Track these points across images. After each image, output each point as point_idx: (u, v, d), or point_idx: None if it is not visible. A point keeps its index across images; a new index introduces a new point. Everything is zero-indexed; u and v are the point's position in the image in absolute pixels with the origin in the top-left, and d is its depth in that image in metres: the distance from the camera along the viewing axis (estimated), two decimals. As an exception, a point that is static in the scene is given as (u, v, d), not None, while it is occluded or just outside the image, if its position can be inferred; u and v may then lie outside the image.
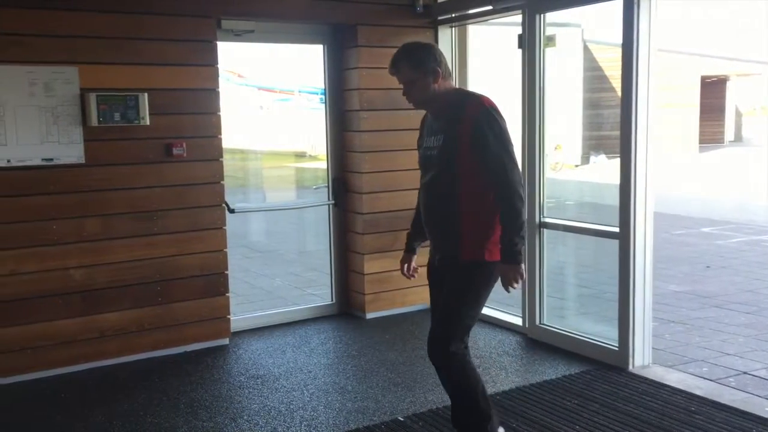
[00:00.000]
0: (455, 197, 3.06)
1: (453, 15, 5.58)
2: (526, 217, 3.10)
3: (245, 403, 4.02)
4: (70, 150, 4.37)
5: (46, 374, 4.41)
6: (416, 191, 5.67)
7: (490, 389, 4.13)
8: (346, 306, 5.79)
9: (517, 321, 5.24)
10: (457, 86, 3.22)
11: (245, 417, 3.81)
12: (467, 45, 5.80)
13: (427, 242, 3.42)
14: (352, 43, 5.41)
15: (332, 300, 5.81)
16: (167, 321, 4.78)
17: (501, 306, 5.71)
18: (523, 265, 2.98)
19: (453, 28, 5.73)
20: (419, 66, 3.01)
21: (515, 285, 3.00)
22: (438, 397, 4.04)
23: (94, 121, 4.37)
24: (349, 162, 5.62)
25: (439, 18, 5.61)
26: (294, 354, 4.82)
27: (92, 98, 4.35)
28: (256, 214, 8.48)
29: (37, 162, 4.28)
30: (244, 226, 9.88)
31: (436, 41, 5.66)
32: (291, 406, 3.96)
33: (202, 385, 4.26)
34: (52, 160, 4.32)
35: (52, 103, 4.31)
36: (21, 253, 4.30)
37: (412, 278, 3.55)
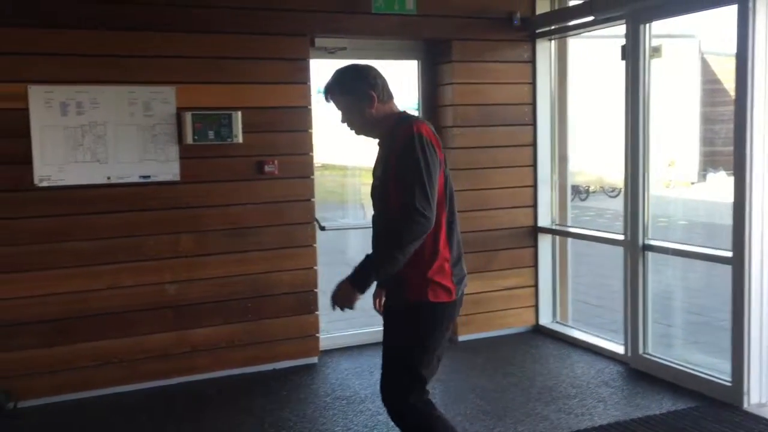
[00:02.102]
0: None
1: (552, 27, 5.37)
2: (399, 262, 2.61)
3: (329, 425, 3.94)
4: (166, 168, 4.48)
5: (140, 387, 4.51)
6: (511, 209, 5.56)
7: (586, 423, 3.88)
8: (438, 327, 5.63)
9: (619, 349, 4.92)
10: (399, 110, 2.82)
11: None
12: (567, 58, 5.57)
13: None
14: (446, 59, 5.30)
15: (424, 320, 5.67)
16: (257, 338, 4.80)
17: (601, 332, 5.41)
18: (359, 296, 2.63)
19: (552, 41, 5.52)
20: (351, 91, 2.73)
21: (341, 308, 2.70)
22: (529, 428, 3.83)
23: (189, 139, 4.46)
24: (442, 178, 5.48)
25: (538, 31, 5.42)
26: (382, 375, 4.71)
27: (188, 117, 4.45)
28: (355, 230, 8.51)
29: (135, 179, 4.41)
30: (342, 242, 9.94)
31: (534, 55, 5.47)
32: (374, 430, 3.85)
33: (288, 405, 4.23)
34: (149, 177, 4.44)
35: (150, 122, 4.44)
36: (119, 268, 4.43)
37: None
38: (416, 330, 2.73)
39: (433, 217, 2.60)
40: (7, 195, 4.17)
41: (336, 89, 2.76)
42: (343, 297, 2.68)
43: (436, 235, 2.70)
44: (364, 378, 4.68)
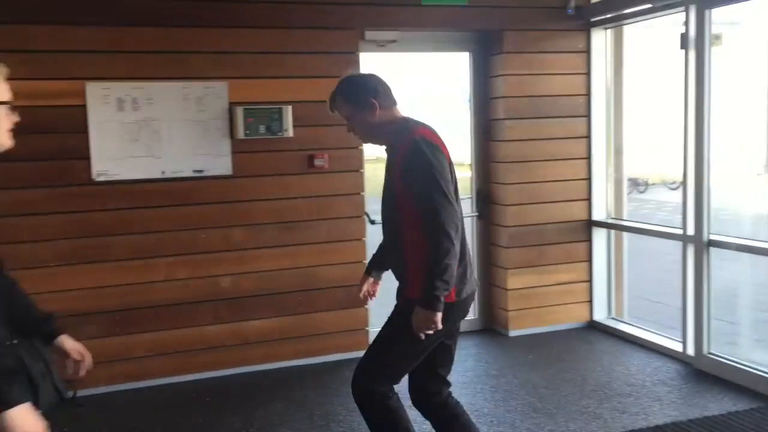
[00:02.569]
0: (400, 241, 2.80)
1: (608, 16, 5.23)
2: (455, 261, 2.62)
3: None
4: (218, 162, 4.54)
5: (194, 377, 4.59)
6: (565, 203, 5.45)
7: (641, 422, 3.78)
8: (489, 322, 5.59)
9: (677, 347, 4.78)
10: (402, 115, 2.84)
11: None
12: (623, 48, 5.42)
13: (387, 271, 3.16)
14: (497, 50, 5.22)
15: (474, 315, 5.63)
16: (308, 330, 4.83)
17: (659, 329, 5.26)
18: (439, 315, 2.58)
19: (607, 30, 5.38)
20: (353, 100, 2.78)
21: (425, 333, 2.62)
22: (581, 427, 3.75)
23: (241, 133, 4.51)
24: (493, 173, 5.42)
25: (593, 20, 5.28)
26: (432, 370, 4.69)
27: (239, 112, 4.50)
28: None
29: (189, 174, 4.49)
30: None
31: (589, 45, 5.34)
32: (423, 426, 3.81)
33: (338, 398, 4.24)
34: (201, 171, 4.51)
35: (203, 117, 4.50)
36: (174, 261, 4.52)
37: (366, 301, 3.32)
38: (410, 327, 2.70)
39: (455, 202, 2.65)
40: (67, 189, 4.29)
41: (339, 99, 2.82)
42: (424, 323, 2.63)
43: None
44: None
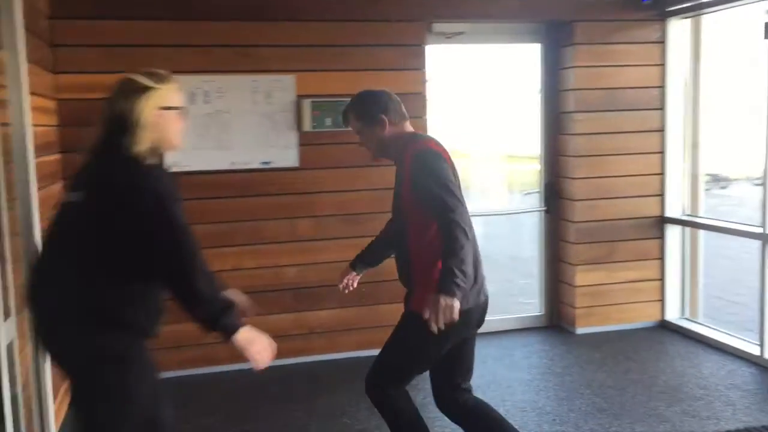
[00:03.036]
0: (407, 249, 2.89)
1: (686, 5, 5.02)
2: (470, 259, 2.60)
3: (437, 412, 3.91)
4: (285, 154, 4.60)
5: (259, 365, 4.68)
6: (636, 198, 5.28)
7: (711, 427, 3.64)
8: (556, 319, 5.48)
9: (754, 350, 4.58)
10: (411, 130, 2.93)
11: (434, 429, 3.72)
12: (701, 38, 5.20)
13: (371, 269, 3.44)
14: (568, 41, 5.10)
15: (541, 311, 5.54)
16: (371, 322, 4.85)
17: (735, 330, 5.05)
18: (457, 302, 2.49)
19: (685, 20, 5.18)
20: (364, 116, 2.88)
21: (442, 322, 2.50)
22: (647, 430, 3.64)
23: (307, 126, 4.56)
24: (562, 167, 5.30)
25: (669, 9, 5.09)
26: (494, 366, 4.65)
27: (306, 104, 4.55)
28: (480, 216, 8.37)
29: (256, 165, 4.57)
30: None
31: (666, 35, 5.15)
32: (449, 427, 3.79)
33: (399, 390, 4.25)
34: (269, 163, 4.59)
35: (270, 109, 4.57)
36: (241, 251, 4.62)
37: (344, 291, 3.43)
38: (416, 338, 2.76)
39: (462, 198, 2.69)
40: (140, 180, 4.43)
41: (351, 113, 2.95)
42: (443, 309, 2.52)
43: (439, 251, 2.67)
44: (477, 367, 4.52)
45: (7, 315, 2.76)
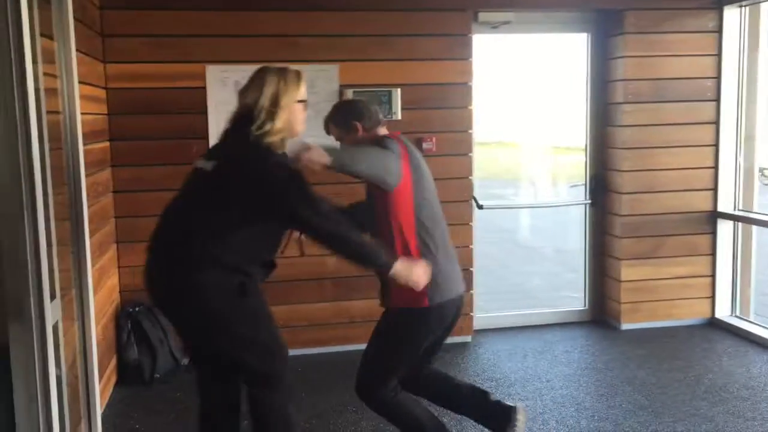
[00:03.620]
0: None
1: (743, -8, 4.86)
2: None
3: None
4: (328, 143, 4.60)
5: (299, 353, 4.72)
6: (686, 192, 5.14)
7: (757, 428, 3.54)
8: (600, 313, 5.39)
9: (806, 351, 4.43)
10: (384, 134, 3.07)
11: (471, 422, 3.70)
12: (759, 27, 5.02)
13: None
14: (618, 30, 4.98)
15: (585, 306, 5.45)
16: (411, 313, 4.85)
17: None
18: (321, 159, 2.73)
19: (743, 8, 5.00)
20: (341, 124, 3.08)
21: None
22: (689, 429, 3.55)
23: (350, 116, 4.56)
24: (609, 159, 5.19)
25: (725, -4, 4.93)
26: (535, 360, 4.60)
27: (349, 94, 4.55)
28: (517, 209, 8.19)
29: (299, 155, 4.59)
30: (512, 221, 9.79)
31: (721, 24, 4.99)
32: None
33: (437, 381, 4.24)
34: (312, 153, 4.60)
35: (314, 99, 4.54)
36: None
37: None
38: (393, 335, 2.99)
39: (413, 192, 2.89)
40: (185, 168, 4.48)
41: (331, 122, 3.15)
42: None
43: (406, 243, 2.87)
44: (516, 361, 4.58)
45: (53, 296, 2.85)
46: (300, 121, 2.82)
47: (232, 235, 2.63)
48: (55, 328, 2.88)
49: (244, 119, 2.68)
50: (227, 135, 2.79)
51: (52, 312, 2.84)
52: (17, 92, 2.54)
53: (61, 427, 2.84)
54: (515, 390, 4.10)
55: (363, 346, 4.87)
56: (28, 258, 2.60)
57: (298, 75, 2.77)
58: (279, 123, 2.67)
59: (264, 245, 2.80)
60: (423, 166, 2.99)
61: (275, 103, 2.66)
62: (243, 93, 2.76)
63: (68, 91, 3.36)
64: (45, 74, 3.08)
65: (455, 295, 2.98)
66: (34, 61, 2.79)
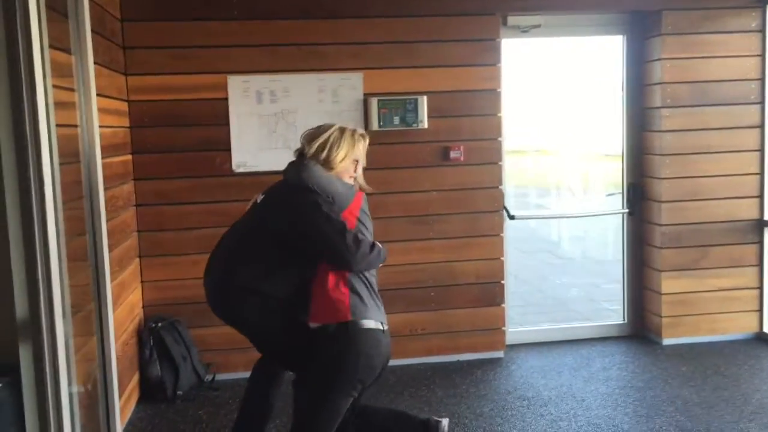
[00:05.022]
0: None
1: (788, -11, 4.61)
2: None
3: (505, 426, 3.73)
4: (352, 154, 4.50)
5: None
6: (730, 200, 4.89)
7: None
8: (640, 328, 5.15)
9: None
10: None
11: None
12: (805, 24, 4.76)
13: None
14: (655, 32, 4.77)
15: (624, 319, 5.22)
16: (440, 327, 4.70)
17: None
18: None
19: (788, 5, 4.75)
20: None
21: None
22: (735, 455, 3.33)
23: (375, 125, 4.45)
24: (647, 166, 4.97)
25: (769, -6, 4.69)
26: (570, 377, 4.39)
27: (374, 103, 4.44)
28: (551, 219, 7.91)
29: (323, 165, 4.48)
30: (547, 230, 9.55)
31: (764, 23, 4.76)
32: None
33: (466, 400, 4.08)
34: (336, 163, 4.50)
35: (337, 108, 4.49)
36: (308, 252, 4.54)
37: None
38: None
39: None
40: (209, 180, 4.44)
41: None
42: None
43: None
44: (551, 378, 4.38)
45: (64, 314, 2.77)
46: (348, 175, 2.95)
47: (270, 266, 2.84)
48: (66, 345, 2.81)
49: (298, 161, 2.91)
50: (284, 173, 2.97)
51: (64, 329, 2.77)
52: (27, 107, 2.49)
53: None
54: (548, 410, 3.91)
55: (390, 363, 4.74)
56: (39, 276, 2.54)
57: (361, 137, 2.98)
58: (334, 173, 2.88)
59: (299, 277, 2.90)
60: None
61: (341, 158, 2.88)
62: (305, 138, 2.96)
63: (86, 104, 3.31)
64: (62, 88, 3.04)
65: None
66: (45, 75, 2.74)
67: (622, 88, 5.03)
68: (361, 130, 3.01)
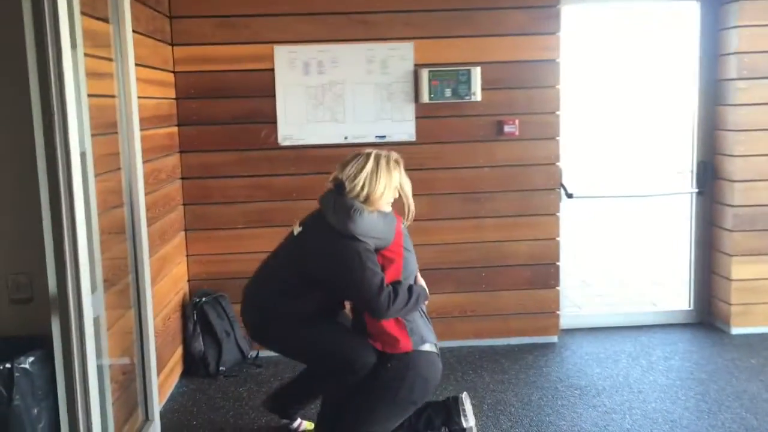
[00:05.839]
0: None
1: None
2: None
3: (553, 417, 3.53)
4: (402, 127, 4.34)
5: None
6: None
7: None
8: (707, 315, 4.84)
9: None
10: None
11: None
12: None
13: None
14: (732, -3, 4.40)
15: (690, 306, 4.91)
16: (490, 310, 4.51)
17: None
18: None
19: None
20: None
21: None
22: (807, 459, 3.05)
23: (425, 97, 4.26)
24: (720, 142, 4.62)
25: None
26: (628, 366, 4.15)
27: (425, 74, 4.24)
28: (613, 198, 7.55)
29: (371, 139, 4.33)
30: (609, 211, 9.16)
31: None
32: (605, 431, 3.36)
33: (514, 387, 3.89)
34: (384, 137, 4.34)
35: (387, 80, 4.31)
36: (354, 228, 4.41)
37: None
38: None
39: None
40: (255, 153, 4.35)
41: None
42: None
43: None
44: (606, 366, 4.15)
45: (93, 289, 2.73)
46: (386, 203, 2.93)
47: (297, 295, 2.95)
48: (96, 320, 2.77)
49: (335, 191, 2.90)
50: (320, 202, 2.98)
51: (93, 305, 2.72)
52: (53, 75, 2.41)
53: (103, 416, 2.75)
54: (601, 401, 3.69)
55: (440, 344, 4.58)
56: (66, 250, 2.49)
57: (396, 163, 2.93)
58: (365, 202, 2.86)
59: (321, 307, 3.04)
60: None
61: (369, 192, 2.85)
62: (342, 169, 2.92)
63: (123, 74, 3.23)
64: (99, 57, 2.97)
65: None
66: (75, 43, 2.67)
67: (696, 59, 4.67)
68: (395, 156, 2.96)
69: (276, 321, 2.99)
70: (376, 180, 2.83)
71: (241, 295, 3.13)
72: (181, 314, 4.22)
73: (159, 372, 3.66)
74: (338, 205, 2.84)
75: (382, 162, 2.88)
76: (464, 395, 3.15)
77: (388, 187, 2.88)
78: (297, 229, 3.00)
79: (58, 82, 2.41)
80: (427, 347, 2.95)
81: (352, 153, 2.97)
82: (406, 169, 4.38)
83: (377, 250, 2.88)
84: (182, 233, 4.33)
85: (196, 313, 4.18)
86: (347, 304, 3.21)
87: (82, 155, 2.64)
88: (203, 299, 4.22)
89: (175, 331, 4.08)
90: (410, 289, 2.92)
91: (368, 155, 2.90)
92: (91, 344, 2.58)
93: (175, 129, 4.23)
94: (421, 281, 3.15)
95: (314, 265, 2.87)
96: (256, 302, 3.06)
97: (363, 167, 2.85)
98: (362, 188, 2.83)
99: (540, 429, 3.39)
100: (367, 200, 2.84)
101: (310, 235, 2.93)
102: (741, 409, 3.54)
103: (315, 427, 3.18)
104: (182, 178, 4.32)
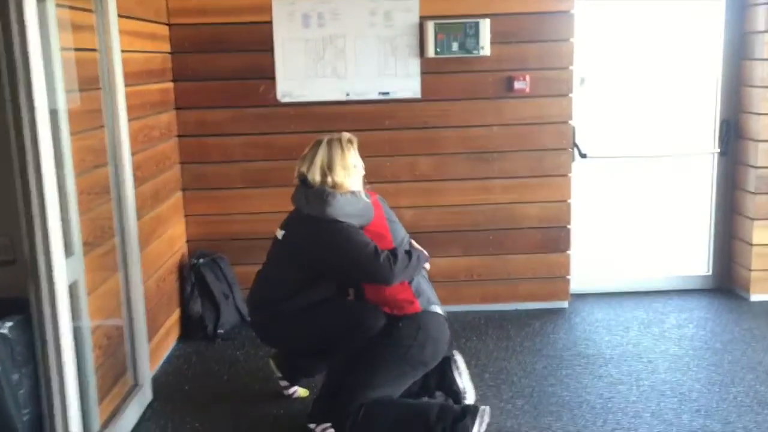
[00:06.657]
0: None
1: None
2: None
3: (557, 387, 3.39)
4: (406, 83, 4.14)
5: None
6: None
7: None
8: (725, 281, 4.64)
9: None
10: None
11: (549, 407, 3.19)
12: None
13: None
14: (762, -55, 4.09)
15: (708, 271, 4.71)
16: (498, 274, 4.36)
17: None
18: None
19: None
20: None
21: None
22: (822, 437, 2.88)
23: (431, 51, 4.05)
24: (745, 99, 4.36)
25: None
26: (639, 333, 3.98)
27: (430, 27, 4.02)
28: (637, 158, 7.23)
29: (374, 96, 4.15)
30: (624, 171, 8.82)
31: None
32: (608, 404, 3.21)
33: (518, 355, 3.75)
34: (388, 94, 4.15)
35: (390, 33, 4.10)
36: (357, 189, 4.26)
37: None
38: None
39: None
40: (253, 110, 4.19)
41: None
42: None
43: None
44: (616, 333, 3.99)
45: (70, 253, 2.62)
46: (359, 179, 3.04)
47: (299, 292, 2.99)
48: (75, 284, 2.67)
49: (302, 186, 3.00)
50: (293, 201, 3.07)
51: (71, 270, 2.62)
52: (15, 26, 2.27)
53: (82, 381, 2.69)
54: (608, 371, 3.53)
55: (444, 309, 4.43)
56: (34, 213, 2.37)
57: (349, 143, 3.02)
58: (333, 187, 2.93)
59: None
60: None
61: (333, 177, 2.94)
62: (301, 161, 3.04)
63: (104, 26, 3.07)
64: (74, 8, 2.81)
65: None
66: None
67: (722, 63, 4.39)
68: (347, 136, 3.04)
69: (283, 315, 3.02)
70: (333, 164, 2.93)
71: (246, 306, 3.37)
72: (179, 276, 4.12)
73: (153, 335, 3.58)
74: (310, 195, 2.93)
75: (335, 145, 2.97)
76: (455, 353, 3.20)
77: (348, 167, 2.96)
78: (280, 233, 3.06)
79: (20, 35, 2.27)
80: (435, 308, 3.02)
81: (309, 144, 3.06)
82: (410, 128, 4.26)
83: (362, 228, 2.93)
84: (179, 193, 4.21)
85: (193, 275, 4.08)
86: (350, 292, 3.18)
87: (53, 112, 2.51)
88: (200, 261, 4.11)
89: (171, 293, 3.99)
90: (408, 252, 2.99)
91: (319, 142, 3.00)
92: (64, 308, 2.49)
93: (169, 85, 4.08)
94: (418, 247, 3.16)
95: (311, 257, 2.93)
96: (260, 305, 3.11)
97: (316, 155, 2.96)
98: (324, 175, 2.93)
99: (542, 400, 3.25)
100: (334, 186, 2.93)
101: (294, 234, 3.00)
102: (755, 381, 3.37)
103: (321, 389, 3.06)
104: (179, 136, 4.18)
